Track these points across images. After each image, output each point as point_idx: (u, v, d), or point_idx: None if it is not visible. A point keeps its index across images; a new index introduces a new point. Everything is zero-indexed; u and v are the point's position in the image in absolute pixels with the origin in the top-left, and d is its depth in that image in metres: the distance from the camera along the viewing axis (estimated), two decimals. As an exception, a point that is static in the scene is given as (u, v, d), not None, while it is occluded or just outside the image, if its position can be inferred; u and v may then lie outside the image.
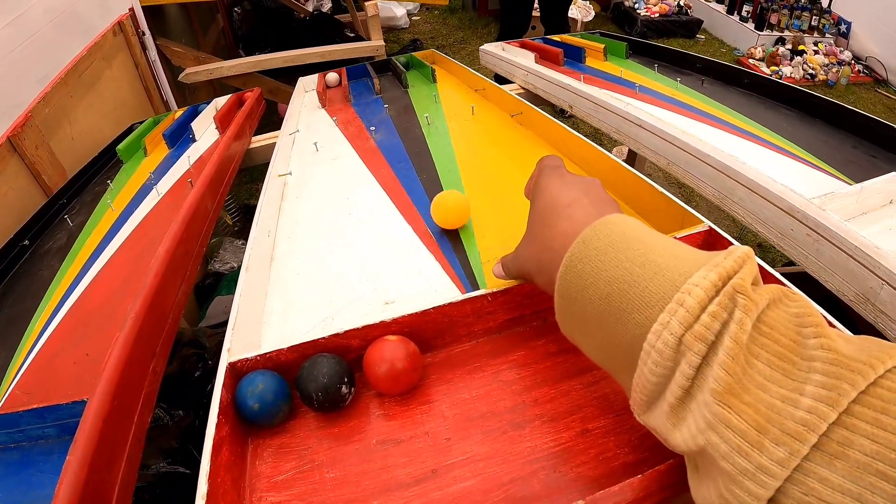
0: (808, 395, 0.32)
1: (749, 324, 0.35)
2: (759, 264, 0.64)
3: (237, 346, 0.63)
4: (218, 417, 0.53)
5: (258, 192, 2.77)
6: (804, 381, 0.33)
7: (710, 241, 0.72)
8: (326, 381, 0.55)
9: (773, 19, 5.11)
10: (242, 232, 2.55)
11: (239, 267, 2.31)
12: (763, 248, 2.45)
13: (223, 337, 0.70)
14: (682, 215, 0.76)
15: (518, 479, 0.51)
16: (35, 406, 0.64)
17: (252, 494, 0.52)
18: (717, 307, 0.35)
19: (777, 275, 0.63)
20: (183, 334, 1.47)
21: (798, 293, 0.39)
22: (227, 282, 2.11)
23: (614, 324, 0.41)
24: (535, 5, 3.80)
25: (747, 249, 0.40)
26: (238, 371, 0.60)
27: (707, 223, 0.72)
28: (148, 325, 0.71)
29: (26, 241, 1.21)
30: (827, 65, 4.74)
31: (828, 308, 0.57)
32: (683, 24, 5.61)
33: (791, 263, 0.89)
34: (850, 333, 0.41)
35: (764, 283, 0.40)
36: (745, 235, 2.29)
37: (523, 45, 1.90)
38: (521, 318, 0.67)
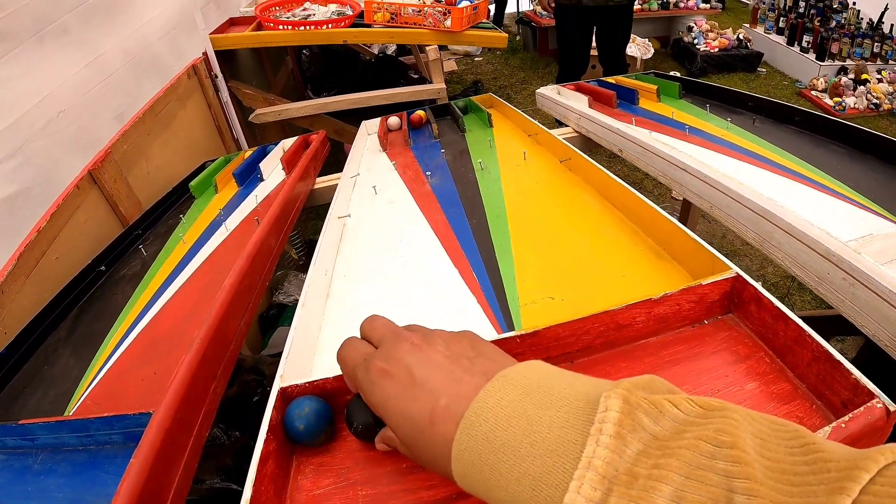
0: None
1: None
2: (767, 298, 0.67)
3: (289, 373, 0.69)
4: (267, 434, 0.59)
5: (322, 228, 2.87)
6: None
7: (737, 288, 0.73)
8: (374, 420, 0.57)
9: (834, 48, 5.02)
10: (307, 266, 2.60)
11: (302, 300, 2.40)
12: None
13: (282, 365, 0.76)
14: (713, 262, 0.78)
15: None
16: (104, 414, 0.71)
17: (291, 505, 0.58)
18: None
19: (798, 321, 0.64)
20: (245, 361, 1.55)
21: (719, 420, 0.34)
22: (289, 313, 2.19)
23: None
24: (594, 45, 3.85)
25: (619, 402, 0.35)
26: (288, 395, 0.66)
27: (735, 270, 0.74)
28: (211, 350, 0.78)
29: (103, 267, 1.31)
30: (892, 93, 4.60)
31: (865, 352, 0.58)
32: (744, 58, 5.58)
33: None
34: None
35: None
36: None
37: (578, 88, 1.93)
38: (548, 360, 0.70)
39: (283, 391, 0.66)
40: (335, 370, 0.66)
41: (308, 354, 0.79)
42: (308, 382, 0.66)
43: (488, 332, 0.80)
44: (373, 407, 0.50)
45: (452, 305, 0.87)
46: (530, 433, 0.37)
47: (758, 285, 0.71)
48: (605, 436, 0.34)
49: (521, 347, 0.69)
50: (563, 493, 0.33)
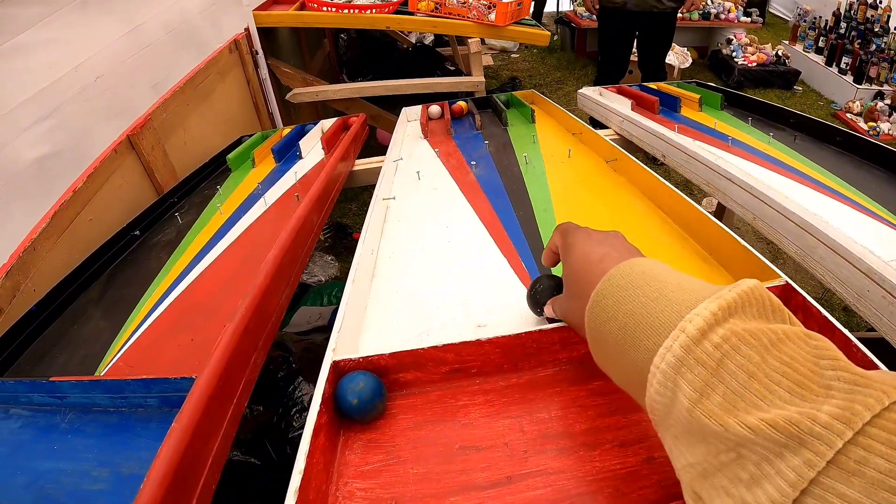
0: (825, 413, 0.34)
1: (749, 352, 0.39)
2: (815, 307, 0.67)
3: (341, 347, 0.69)
4: (320, 407, 0.58)
5: (349, 210, 2.88)
6: (823, 404, 0.35)
7: (786, 296, 0.73)
8: (554, 289, 0.69)
9: (873, 72, 4.92)
10: (332, 247, 2.66)
11: (326, 280, 2.39)
12: (847, 312, 2.37)
13: (308, 343, 0.75)
14: (762, 269, 0.78)
15: (585, 493, 0.54)
16: (143, 377, 0.70)
17: (339, 479, 0.57)
18: (717, 337, 0.39)
19: (845, 331, 0.63)
20: (272, 336, 1.55)
21: (819, 335, 0.41)
22: (312, 293, 2.19)
23: (630, 351, 0.46)
24: (634, 50, 3.83)
25: (752, 284, 0.43)
26: (340, 369, 0.65)
27: (784, 278, 0.74)
28: (254, 320, 0.77)
29: (137, 232, 1.31)
30: (927, 121, 4.47)
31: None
32: (781, 75, 5.46)
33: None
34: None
35: (832, 338, 0.43)
36: (825, 296, 2.23)
37: (620, 91, 1.92)
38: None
39: (335, 365, 0.65)
40: (382, 347, 0.66)
41: (356, 330, 0.79)
42: (362, 358, 0.65)
43: (540, 322, 0.78)
44: (568, 246, 0.64)
45: (503, 294, 0.86)
46: (675, 279, 0.48)
47: (806, 294, 0.70)
48: (737, 288, 0.42)
49: (577, 337, 0.68)
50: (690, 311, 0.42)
